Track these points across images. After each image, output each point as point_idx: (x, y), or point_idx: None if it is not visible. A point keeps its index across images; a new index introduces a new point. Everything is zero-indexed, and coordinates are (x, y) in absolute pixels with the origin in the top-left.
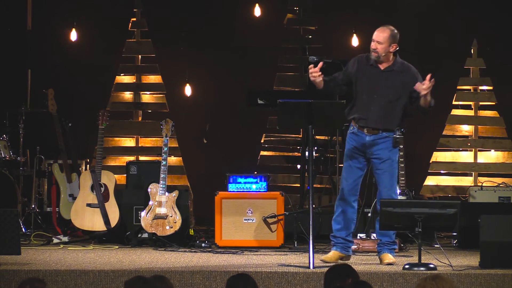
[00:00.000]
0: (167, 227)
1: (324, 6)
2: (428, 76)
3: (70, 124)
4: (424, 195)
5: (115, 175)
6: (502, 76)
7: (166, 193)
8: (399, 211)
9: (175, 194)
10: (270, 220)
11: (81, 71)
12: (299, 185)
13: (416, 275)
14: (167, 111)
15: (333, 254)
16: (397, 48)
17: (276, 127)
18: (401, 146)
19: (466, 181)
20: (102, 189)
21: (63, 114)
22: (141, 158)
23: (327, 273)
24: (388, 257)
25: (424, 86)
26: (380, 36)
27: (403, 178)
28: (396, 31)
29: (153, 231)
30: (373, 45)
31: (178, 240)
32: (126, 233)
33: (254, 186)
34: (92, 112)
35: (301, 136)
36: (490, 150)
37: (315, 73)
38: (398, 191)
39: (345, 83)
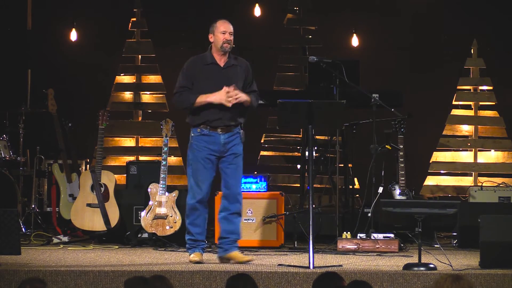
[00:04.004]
0: (167, 227)
1: (324, 6)
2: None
3: (70, 124)
4: (424, 195)
5: (115, 175)
6: (502, 76)
7: (166, 193)
8: (399, 211)
9: (175, 194)
10: (270, 220)
11: (81, 71)
12: (299, 185)
13: (416, 275)
14: (167, 111)
15: (196, 255)
16: None
17: (276, 127)
18: (401, 146)
19: (466, 181)
20: (102, 189)
21: (63, 114)
22: (141, 158)
23: (315, 281)
24: (240, 256)
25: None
26: (232, 28)
27: (403, 178)
28: None
29: (153, 231)
30: (228, 36)
31: (178, 240)
32: (126, 233)
33: (254, 186)
34: (92, 112)
35: (301, 136)
36: (490, 150)
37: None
38: (398, 191)
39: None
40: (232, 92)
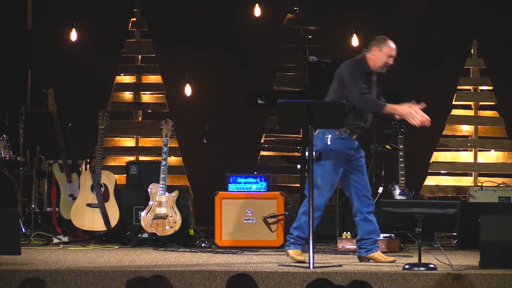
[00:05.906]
0: (167, 227)
1: (324, 6)
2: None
3: (70, 124)
4: (424, 195)
5: (115, 175)
6: (502, 76)
7: (166, 193)
8: (399, 211)
9: (175, 194)
10: (270, 220)
11: (81, 71)
12: (299, 185)
13: (416, 275)
14: (167, 111)
15: (300, 253)
16: None
17: (276, 127)
18: (401, 146)
19: (466, 181)
20: (102, 189)
21: (63, 114)
22: (141, 158)
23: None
24: (382, 256)
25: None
26: None
27: (403, 178)
28: None
29: (153, 231)
30: (392, 61)
31: (178, 240)
32: (126, 233)
33: (254, 186)
34: (92, 112)
35: (301, 136)
36: (490, 150)
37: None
38: (398, 191)
39: None
40: (424, 115)
